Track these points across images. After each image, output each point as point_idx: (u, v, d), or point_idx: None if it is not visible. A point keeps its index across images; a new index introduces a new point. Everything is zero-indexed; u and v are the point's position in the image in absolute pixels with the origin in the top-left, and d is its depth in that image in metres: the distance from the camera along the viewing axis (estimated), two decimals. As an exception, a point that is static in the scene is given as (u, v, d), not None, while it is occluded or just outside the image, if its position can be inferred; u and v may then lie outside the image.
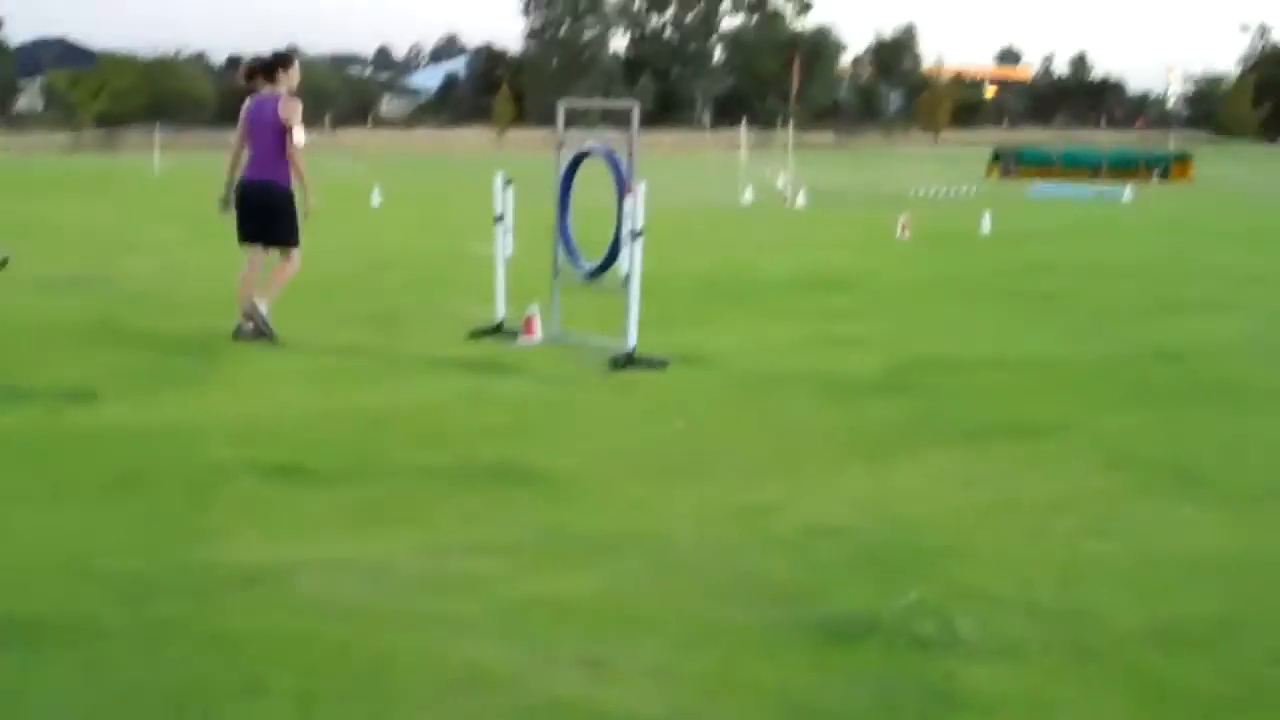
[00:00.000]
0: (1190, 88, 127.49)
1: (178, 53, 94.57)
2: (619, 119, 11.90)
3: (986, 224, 24.98)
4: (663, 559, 6.07)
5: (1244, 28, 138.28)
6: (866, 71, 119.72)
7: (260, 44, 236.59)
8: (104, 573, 5.76)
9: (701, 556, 6.12)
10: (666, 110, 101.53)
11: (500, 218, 12.35)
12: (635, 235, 11.00)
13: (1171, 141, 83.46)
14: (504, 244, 12.37)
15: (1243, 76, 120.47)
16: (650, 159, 56.74)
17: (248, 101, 12.11)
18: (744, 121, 47.87)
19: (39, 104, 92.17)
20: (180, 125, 75.39)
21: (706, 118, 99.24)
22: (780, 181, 37.18)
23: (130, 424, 8.59)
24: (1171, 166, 49.24)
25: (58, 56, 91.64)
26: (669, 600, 5.56)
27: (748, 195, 34.51)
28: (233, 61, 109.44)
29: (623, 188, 11.20)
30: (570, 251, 12.19)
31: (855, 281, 16.91)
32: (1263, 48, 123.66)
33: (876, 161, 68.34)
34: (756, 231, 25.20)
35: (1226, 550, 6.32)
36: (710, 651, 5.01)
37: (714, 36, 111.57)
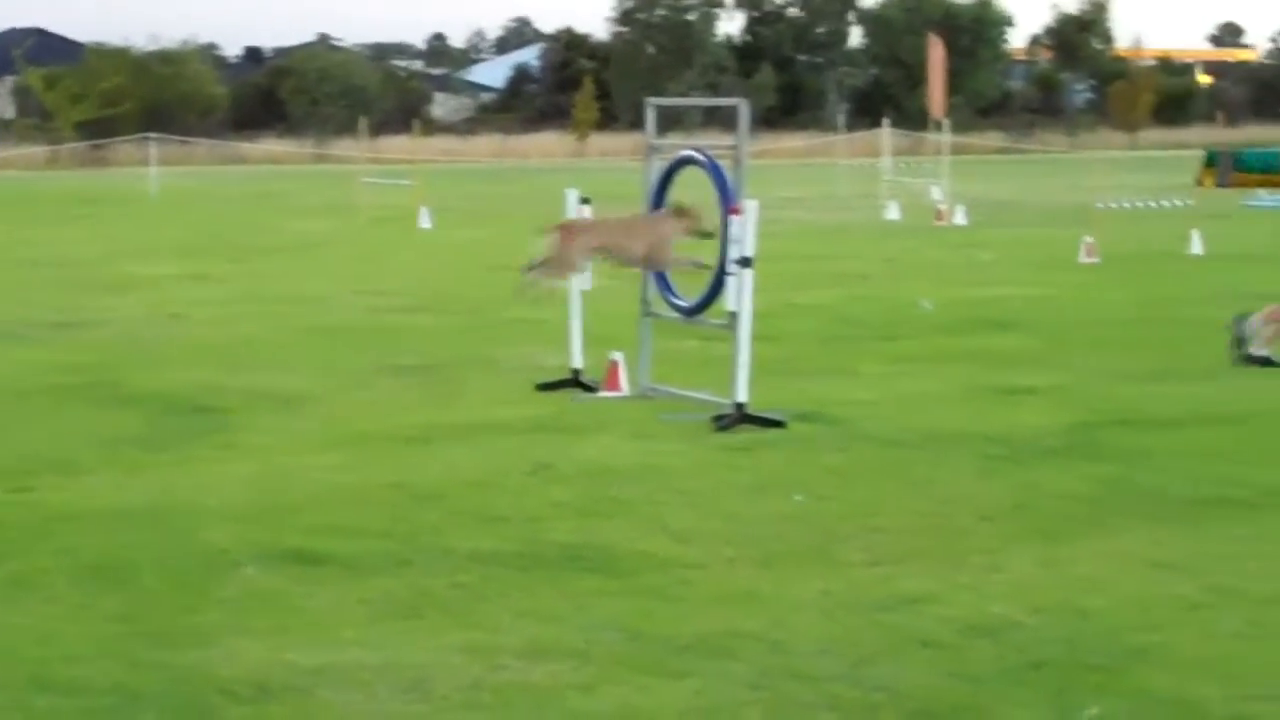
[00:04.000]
0: None
1: (182, 44, 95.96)
2: (728, 119, 11.88)
3: (1196, 243, 24.78)
4: (775, 667, 6.05)
5: None
6: (1045, 57, 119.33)
7: (284, 33, 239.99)
8: (70, 684, 5.81)
9: (825, 664, 6.10)
10: (792, 108, 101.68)
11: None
12: (744, 263, 11.01)
13: None
14: (581, 277, 12.42)
15: None
16: (769, 167, 57.06)
17: None
18: (886, 121, 47.84)
19: (9, 108, 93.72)
20: (184, 133, 76.51)
21: (842, 116, 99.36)
22: (934, 194, 37.14)
23: (110, 502, 8.69)
24: None
25: (34, 50, 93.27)
26: (782, 719, 5.54)
27: (892, 211, 34.50)
28: (252, 54, 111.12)
29: (728, 204, 11.22)
30: (663, 285, 12.22)
31: (1027, 317, 16.84)
32: None
33: (1057, 168, 67.99)
34: (903, 256, 25.17)
35: None
36: (833, 784, 4.98)
37: (851, 16, 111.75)
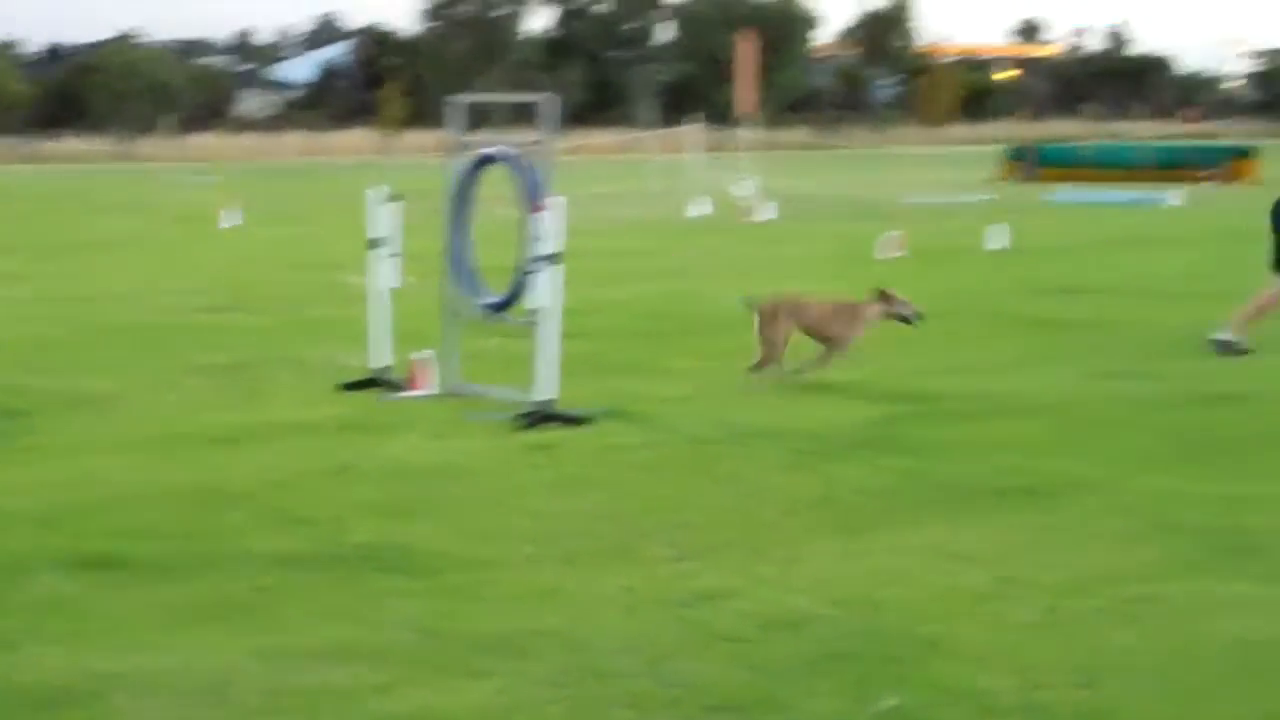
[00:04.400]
0: (1257, 65, 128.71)
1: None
2: (537, 116, 11.94)
3: (998, 238, 25.14)
4: (577, 664, 6.07)
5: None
6: (851, 53, 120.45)
7: (87, 29, 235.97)
8: None
9: (626, 660, 6.11)
10: (603, 104, 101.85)
11: (378, 242, 12.36)
12: (548, 260, 11.02)
13: (1232, 134, 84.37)
14: (385, 274, 12.37)
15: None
16: (580, 163, 56.93)
17: None
18: (693, 117, 48.14)
19: None
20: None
21: (652, 112, 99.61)
22: (739, 189, 37.38)
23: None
24: (1231, 165, 49.67)
25: None
26: (583, 717, 5.55)
27: (700, 207, 34.66)
28: (54, 51, 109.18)
29: (534, 201, 11.22)
30: (467, 282, 12.19)
31: (832, 312, 16.95)
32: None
33: (863, 163, 68.79)
34: (710, 252, 25.29)
35: (1285, 637, 6.37)
36: (631, 779, 5.01)
37: (659, 11, 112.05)
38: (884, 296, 12.60)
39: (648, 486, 9.12)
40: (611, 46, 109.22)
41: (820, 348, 12.55)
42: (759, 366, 12.40)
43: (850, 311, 12.50)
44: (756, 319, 12.43)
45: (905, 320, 12.64)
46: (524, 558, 7.56)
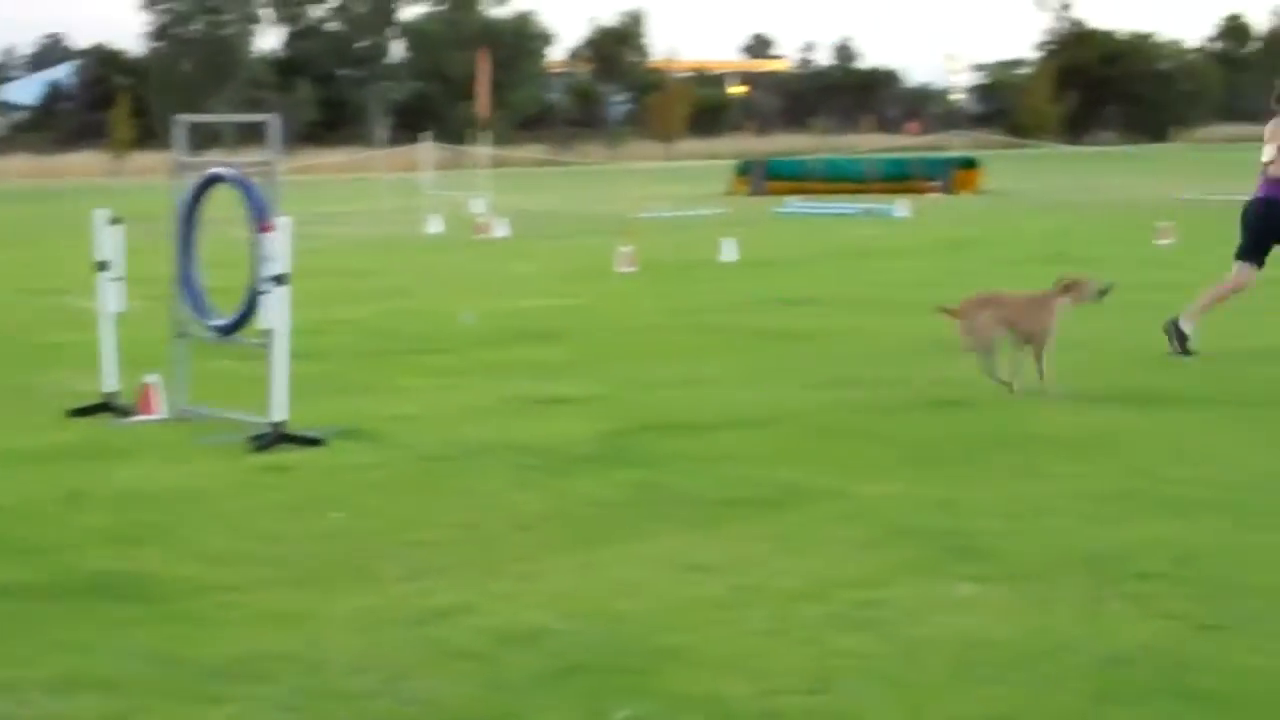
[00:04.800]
0: (980, 78, 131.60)
1: None
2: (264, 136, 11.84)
3: (729, 251, 25.43)
4: (314, 686, 6.02)
5: (1041, 4, 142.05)
6: (584, 69, 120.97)
7: None
8: None
9: (364, 680, 6.08)
10: (334, 123, 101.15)
11: (104, 265, 12.16)
12: (277, 281, 10.91)
13: (956, 145, 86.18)
14: (111, 298, 12.18)
15: (1041, 64, 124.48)
16: (311, 183, 56.40)
17: None
18: (425, 135, 48.02)
19: None
20: None
21: (384, 131, 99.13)
22: (475, 207, 37.37)
23: None
24: (954, 176, 50.78)
25: None
26: (317, 737, 5.53)
27: (434, 225, 34.57)
28: None
29: (260, 221, 11.11)
30: (196, 304, 12.04)
31: (565, 328, 17.07)
32: (1067, 27, 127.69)
33: (598, 179, 69.12)
34: (444, 270, 25.27)
35: (1008, 636, 6.52)
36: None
37: (391, 30, 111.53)
38: (1069, 286, 12.65)
39: (381, 506, 9.08)
40: (343, 65, 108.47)
41: (1022, 347, 12.56)
42: (986, 368, 12.53)
43: (1043, 308, 12.52)
44: (960, 324, 12.49)
45: (1101, 296, 12.73)
46: (259, 581, 7.48)
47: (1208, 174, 47.90)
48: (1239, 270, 14.61)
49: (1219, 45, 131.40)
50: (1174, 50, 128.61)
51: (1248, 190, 14.96)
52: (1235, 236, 14.77)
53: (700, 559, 7.81)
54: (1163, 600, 6.98)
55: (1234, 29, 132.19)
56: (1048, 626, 6.65)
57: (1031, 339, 12.47)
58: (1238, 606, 6.87)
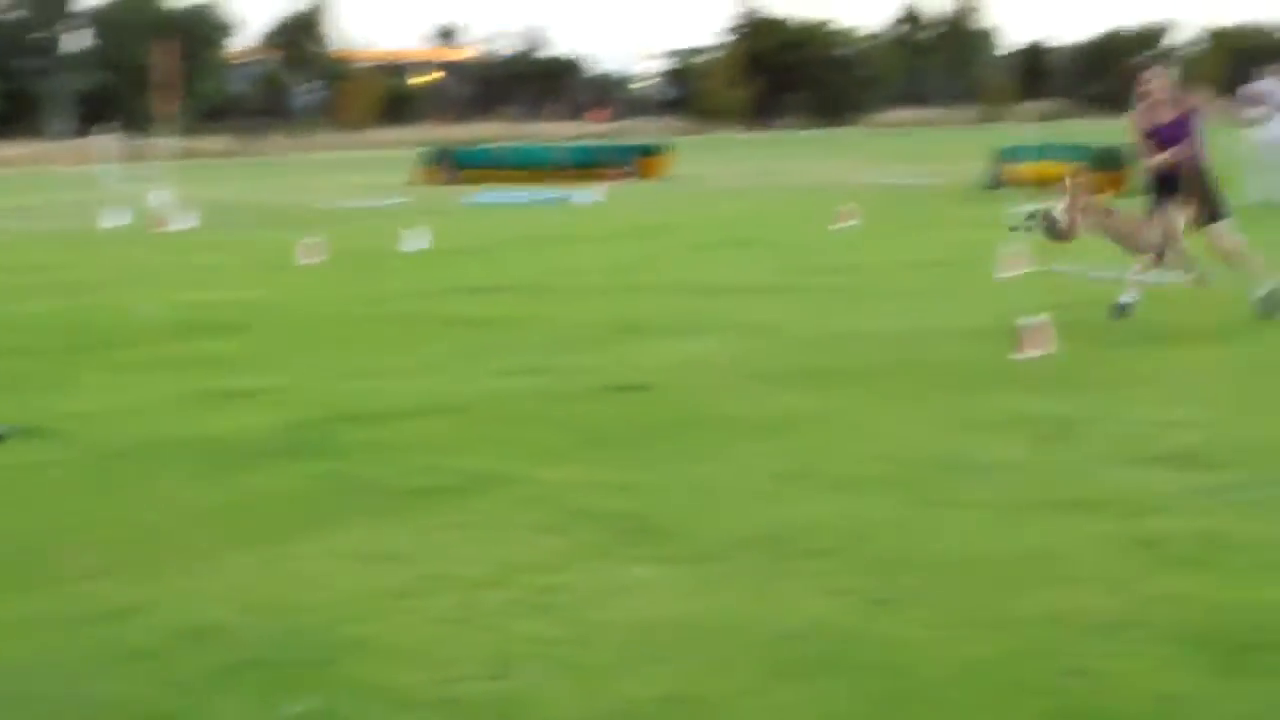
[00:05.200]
0: (669, 64, 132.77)
1: None
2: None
3: (416, 240, 25.35)
4: (-14, 690, 5.90)
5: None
6: (271, 58, 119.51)
7: None
8: None
9: (38, 683, 6.00)
10: (14, 115, 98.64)
11: None
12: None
13: (643, 132, 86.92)
14: None
15: (726, 51, 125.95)
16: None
17: None
18: (107, 126, 47.11)
19: None
20: None
21: (65, 122, 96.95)
22: (155, 199, 36.70)
23: None
24: (641, 163, 51.15)
25: None
26: (-17, 744, 5.42)
27: (115, 218, 33.86)
28: None
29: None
30: None
31: (249, 320, 16.85)
32: (749, 15, 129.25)
33: (284, 169, 68.40)
34: (125, 263, 24.76)
35: (684, 616, 6.62)
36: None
37: (71, 19, 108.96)
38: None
39: (58, 505, 8.92)
40: (22, 56, 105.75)
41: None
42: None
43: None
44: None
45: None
46: (-80, 587, 7.30)
47: (886, 158, 48.92)
48: (1222, 230, 15.31)
49: (898, 31, 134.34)
50: (852, 37, 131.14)
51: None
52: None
53: (384, 549, 7.80)
54: (835, 577, 7.14)
55: (912, 15, 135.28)
56: (723, 605, 6.76)
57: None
58: (906, 581, 7.05)
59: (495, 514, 8.46)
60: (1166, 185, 14.88)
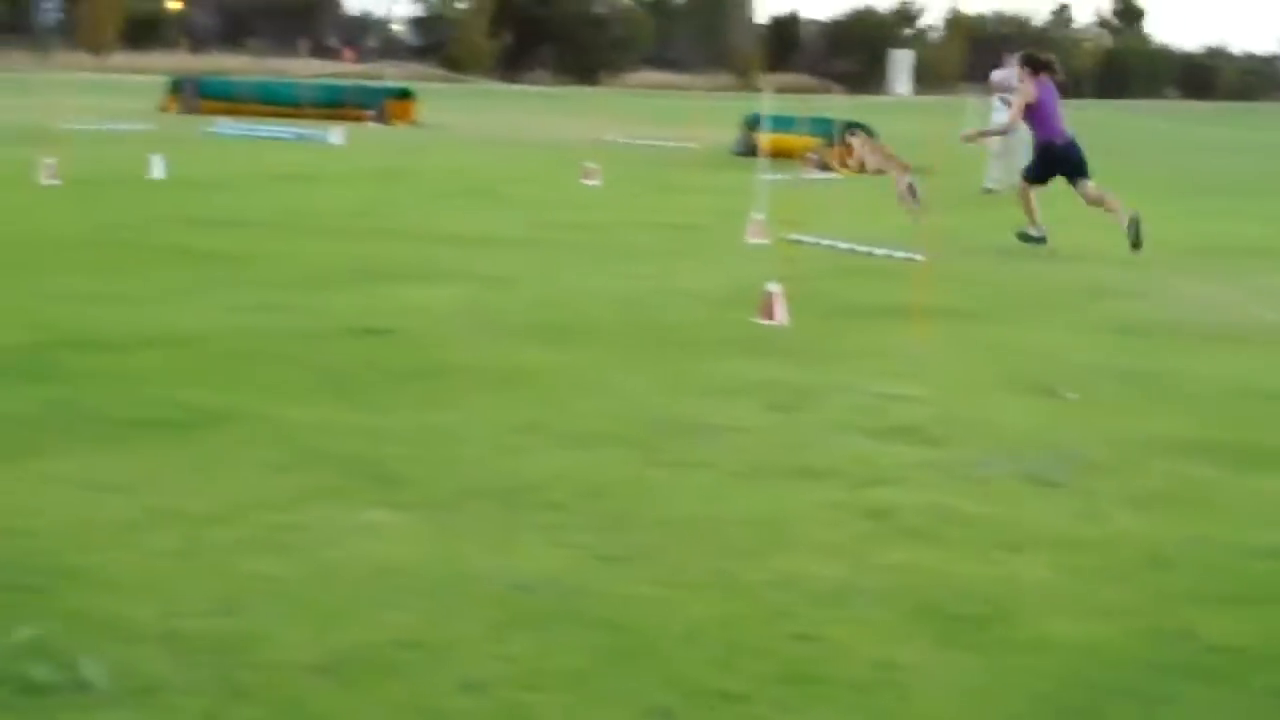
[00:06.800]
0: (417, 10, 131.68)
1: None
2: None
3: (157, 168, 24.89)
4: None
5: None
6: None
7: None
8: None
9: None
10: None
11: None
12: None
13: (392, 75, 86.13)
14: None
15: (479, 1, 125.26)
16: None
17: None
18: None
19: None
20: None
21: None
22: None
23: None
24: (389, 106, 50.73)
25: None
26: None
27: None
28: None
29: None
30: None
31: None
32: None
33: (24, 87, 66.65)
34: None
35: (417, 562, 6.58)
36: None
37: None
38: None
39: None
40: None
41: None
42: None
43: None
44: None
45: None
46: None
47: (632, 118, 48.97)
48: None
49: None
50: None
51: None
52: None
53: (109, 479, 7.64)
54: (568, 531, 7.14)
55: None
56: (457, 554, 6.73)
57: None
58: (637, 539, 7.08)
59: (226, 450, 8.33)
60: None
